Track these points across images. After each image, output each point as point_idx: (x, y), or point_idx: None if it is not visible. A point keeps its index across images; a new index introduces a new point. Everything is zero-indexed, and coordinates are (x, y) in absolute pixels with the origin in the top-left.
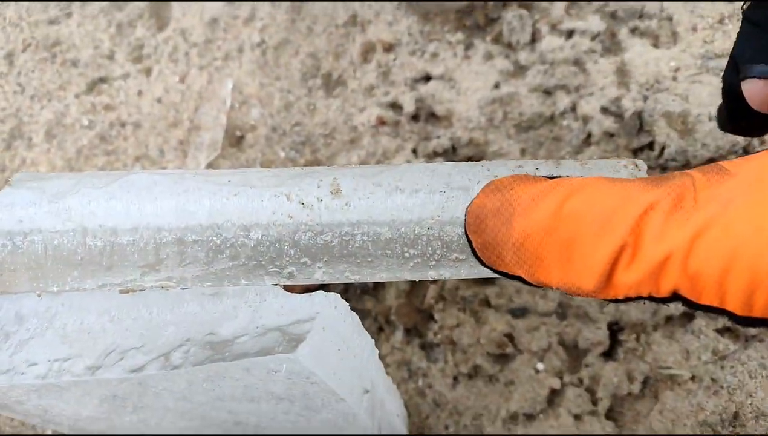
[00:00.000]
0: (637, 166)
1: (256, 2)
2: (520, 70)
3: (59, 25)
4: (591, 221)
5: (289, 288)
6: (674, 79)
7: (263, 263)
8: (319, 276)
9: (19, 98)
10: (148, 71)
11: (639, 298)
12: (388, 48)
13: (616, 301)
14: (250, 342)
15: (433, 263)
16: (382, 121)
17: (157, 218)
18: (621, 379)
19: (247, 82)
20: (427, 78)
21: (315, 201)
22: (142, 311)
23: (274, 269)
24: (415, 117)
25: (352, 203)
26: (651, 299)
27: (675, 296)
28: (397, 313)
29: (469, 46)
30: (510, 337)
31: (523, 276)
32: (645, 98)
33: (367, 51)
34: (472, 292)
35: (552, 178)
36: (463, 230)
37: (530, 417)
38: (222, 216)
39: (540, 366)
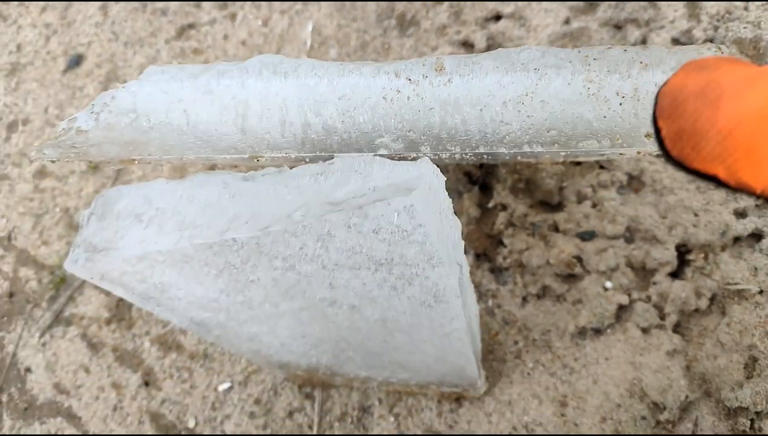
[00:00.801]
0: (720, 49)
1: None
2: (590, 5)
3: None
4: None
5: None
6: (745, 8)
7: (372, 135)
8: (423, 149)
9: (113, 45)
10: (233, 17)
11: None
12: None
13: None
14: (364, 198)
15: (527, 138)
16: None
17: (283, 92)
18: (689, 295)
19: (325, 24)
20: (498, 17)
21: (420, 77)
22: (259, 187)
23: (382, 141)
24: None
25: (454, 80)
26: None
27: None
28: (467, 238)
29: None
30: (578, 259)
31: (720, 175)
32: (716, 28)
33: None
34: (540, 217)
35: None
36: (651, 116)
37: (598, 332)
38: (338, 91)
39: (608, 284)
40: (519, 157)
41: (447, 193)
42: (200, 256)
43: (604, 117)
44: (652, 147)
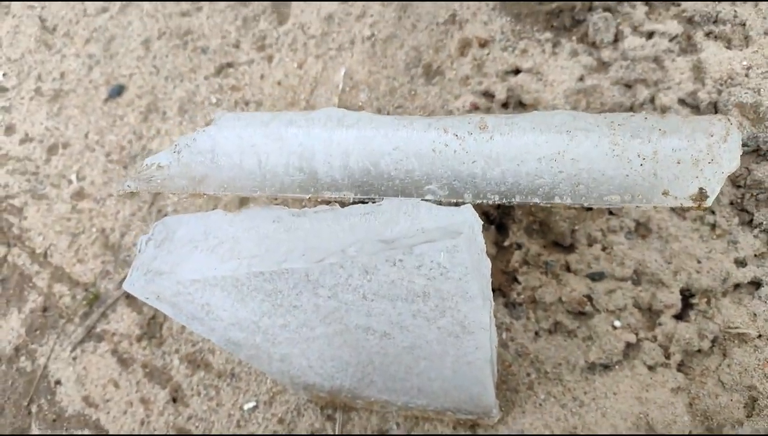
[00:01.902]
0: (729, 121)
1: (367, 1)
2: (603, 65)
3: (191, 17)
4: None
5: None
6: (746, 75)
7: (422, 182)
8: (465, 196)
9: (154, 78)
10: (270, 58)
11: None
12: (483, 44)
13: None
14: (414, 238)
15: (558, 190)
16: (475, 106)
17: (345, 142)
18: (692, 336)
19: (357, 70)
20: (517, 71)
21: (466, 134)
22: (313, 224)
23: (429, 188)
24: (505, 104)
25: (495, 137)
26: None
27: None
28: None
29: (556, 44)
30: (589, 297)
31: None
32: (719, 91)
33: (464, 46)
34: (553, 257)
35: None
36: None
37: (607, 367)
38: (393, 143)
39: (617, 323)
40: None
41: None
42: (252, 282)
43: (627, 175)
44: (668, 203)
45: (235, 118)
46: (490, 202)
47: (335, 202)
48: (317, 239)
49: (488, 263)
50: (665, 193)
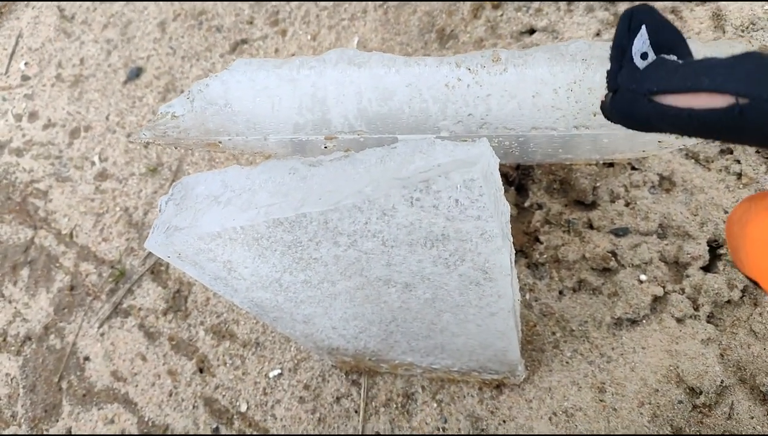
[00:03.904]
0: (750, 43)
1: None
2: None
3: None
4: None
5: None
6: None
7: (435, 119)
8: (480, 132)
9: (171, 59)
10: (283, 33)
11: None
12: (496, 5)
13: None
14: (430, 172)
15: (576, 121)
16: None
17: (358, 81)
18: (721, 287)
19: (370, 38)
20: (532, 31)
21: (479, 67)
22: (329, 170)
23: (443, 124)
24: None
25: (509, 69)
26: None
27: None
28: None
29: (571, 1)
30: (613, 254)
31: (759, 283)
32: (741, 37)
33: (477, 8)
34: (575, 215)
35: None
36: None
37: (634, 322)
38: (405, 80)
39: (643, 277)
40: (562, 149)
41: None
42: (271, 233)
43: None
44: (689, 140)
45: (246, 62)
46: (506, 138)
47: (350, 149)
48: (333, 184)
49: (506, 204)
50: None
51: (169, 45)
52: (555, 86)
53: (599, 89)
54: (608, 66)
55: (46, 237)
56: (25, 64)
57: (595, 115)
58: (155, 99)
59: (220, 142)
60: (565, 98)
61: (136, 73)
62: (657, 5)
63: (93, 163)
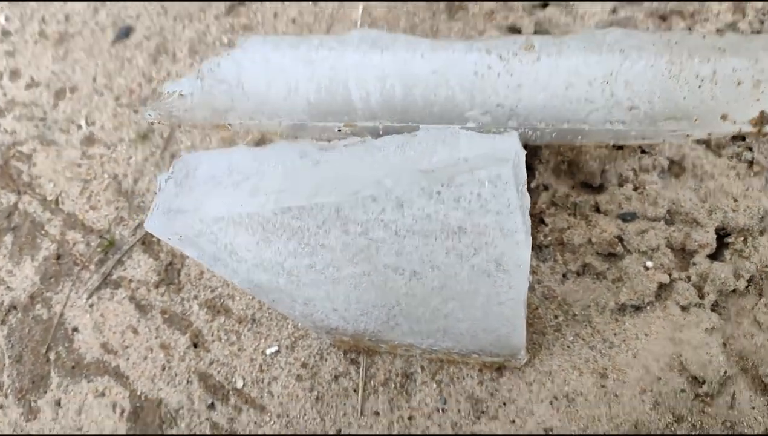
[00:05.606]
0: None
1: None
2: None
3: None
4: None
5: None
6: None
7: (462, 108)
8: (510, 123)
9: (162, 19)
10: None
11: None
12: None
13: None
14: (456, 167)
15: (610, 116)
16: None
17: (381, 65)
18: (727, 276)
19: (376, 6)
20: (545, 4)
21: (510, 55)
22: (343, 156)
23: (471, 114)
24: None
25: (542, 58)
26: None
27: None
28: None
29: None
30: (619, 238)
31: None
32: (761, 21)
33: None
34: (582, 198)
35: None
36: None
37: (638, 308)
38: (431, 66)
39: (649, 264)
40: (582, 137)
41: None
42: (278, 219)
43: (684, 98)
44: (725, 129)
45: (261, 40)
46: (536, 131)
47: (366, 135)
48: (349, 172)
49: (528, 198)
50: (723, 118)
51: (161, 4)
52: (590, 78)
53: (636, 82)
54: (646, 57)
55: (30, 203)
56: (6, 18)
57: (630, 110)
58: (145, 61)
59: (229, 125)
60: (600, 91)
61: (125, 33)
62: None
63: (79, 127)
